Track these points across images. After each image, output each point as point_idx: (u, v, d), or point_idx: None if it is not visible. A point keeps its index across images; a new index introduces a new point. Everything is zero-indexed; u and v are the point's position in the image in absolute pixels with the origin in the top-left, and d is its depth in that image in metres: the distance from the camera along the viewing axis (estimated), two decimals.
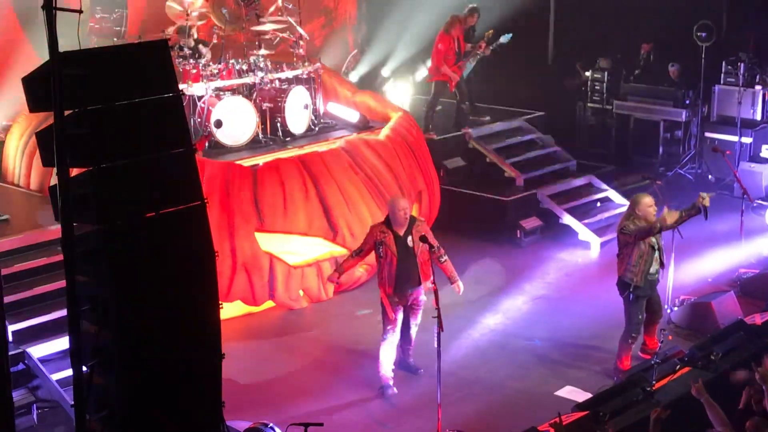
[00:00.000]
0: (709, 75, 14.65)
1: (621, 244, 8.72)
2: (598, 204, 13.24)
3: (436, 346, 7.74)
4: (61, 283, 7.15)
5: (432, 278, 8.24)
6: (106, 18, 12.61)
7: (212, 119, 10.98)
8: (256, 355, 9.52)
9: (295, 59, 12.36)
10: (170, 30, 11.96)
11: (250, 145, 11.34)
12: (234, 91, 11.59)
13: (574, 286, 11.05)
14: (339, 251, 10.64)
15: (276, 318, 10.44)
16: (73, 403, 5.24)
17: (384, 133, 11.70)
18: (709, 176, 14.38)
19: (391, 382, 8.65)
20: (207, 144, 10.99)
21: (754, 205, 12.28)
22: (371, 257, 8.85)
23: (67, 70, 4.88)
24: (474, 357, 9.39)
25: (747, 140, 13.99)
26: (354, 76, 15.12)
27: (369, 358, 9.01)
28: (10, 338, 8.12)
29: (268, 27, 12.48)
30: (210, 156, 10.63)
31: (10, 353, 5.89)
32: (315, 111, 12.23)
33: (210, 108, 11.05)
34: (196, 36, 12.05)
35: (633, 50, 15.84)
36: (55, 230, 8.97)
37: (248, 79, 11.63)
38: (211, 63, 11.55)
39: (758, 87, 14.08)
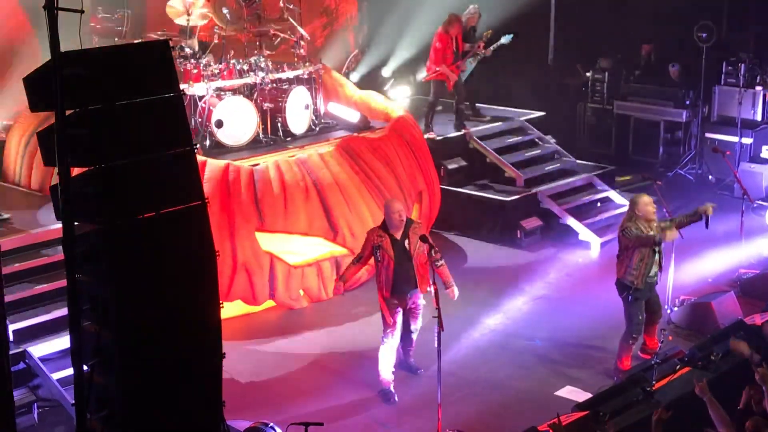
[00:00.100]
0: (710, 75, 14.66)
1: (621, 246, 8.72)
2: (599, 204, 13.25)
3: (436, 346, 7.74)
4: (62, 283, 7.19)
5: (431, 279, 8.24)
6: (107, 18, 12.61)
7: (213, 119, 10.99)
8: (256, 355, 9.52)
9: (296, 59, 12.36)
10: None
11: (251, 145, 11.35)
12: (235, 91, 11.59)
13: (575, 286, 11.06)
14: (339, 251, 10.65)
15: (276, 318, 10.45)
16: (73, 402, 5.26)
17: (384, 133, 11.71)
18: (710, 177, 14.38)
19: (391, 387, 8.63)
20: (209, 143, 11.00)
21: (755, 205, 12.28)
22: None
23: (68, 70, 4.89)
24: (474, 357, 9.40)
25: (747, 141, 14.00)
26: (355, 77, 15.13)
27: (369, 358, 9.01)
28: (11, 337, 8.12)
29: (269, 27, 12.48)
30: (211, 156, 10.63)
31: (10, 352, 5.91)
32: (316, 111, 12.24)
33: (211, 108, 11.05)
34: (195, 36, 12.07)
35: (633, 50, 15.85)
36: (56, 229, 8.98)
37: (249, 79, 11.63)
38: (212, 63, 11.55)
39: (759, 87, 14.09)
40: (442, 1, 13.91)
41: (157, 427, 5.48)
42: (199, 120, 11.11)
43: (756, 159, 13.86)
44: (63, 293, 5.44)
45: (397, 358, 8.76)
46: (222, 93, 11.40)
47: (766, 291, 10.13)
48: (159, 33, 12.15)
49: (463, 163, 13.31)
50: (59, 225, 5.15)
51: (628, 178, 14.47)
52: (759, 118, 14.14)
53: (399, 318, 8.59)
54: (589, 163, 14.07)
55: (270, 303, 10.54)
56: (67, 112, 4.98)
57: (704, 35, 14.49)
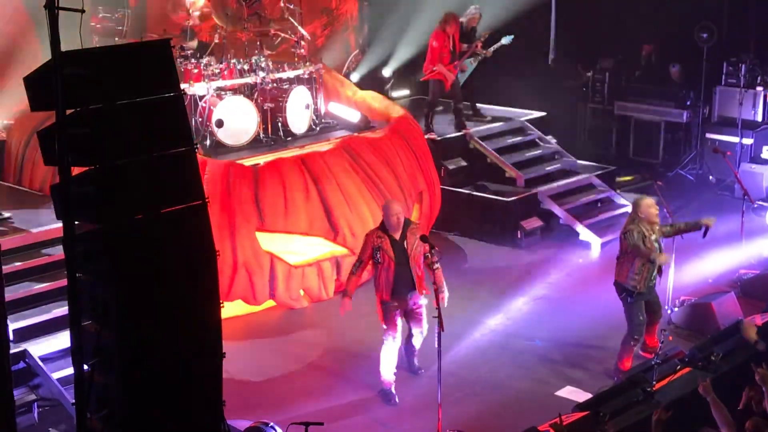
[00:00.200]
0: (710, 76, 14.66)
1: (622, 248, 8.72)
2: (599, 204, 13.26)
3: (436, 346, 7.75)
4: (62, 282, 7.18)
5: (433, 280, 8.23)
6: (107, 18, 12.61)
7: (213, 119, 10.99)
8: (256, 355, 9.52)
9: (296, 59, 12.37)
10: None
11: (252, 144, 11.36)
12: (235, 90, 11.60)
13: (575, 286, 11.06)
14: (340, 251, 10.65)
15: (276, 317, 10.45)
16: (73, 401, 5.26)
17: (385, 133, 11.71)
18: (710, 177, 14.38)
19: (392, 388, 8.62)
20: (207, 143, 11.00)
21: (755, 206, 12.27)
22: None
23: (68, 70, 4.89)
24: (474, 357, 9.40)
25: (748, 141, 14.00)
26: (355, 77, 15.12)
27: (370, 358, 9.01)
28: (11, 337, 8.12)
29: (269, 27, 12.48)
30: (211, 155, 10.63)
31: (11, 351, 5.91)
32: (316, 111, 12.24)
33: (211, 108, 11.06)
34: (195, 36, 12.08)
35: (634, 51, 15.84)
36: (56, 229, 8.97)
37: (250, 79, 11.64)
38: (212, 63, 11.56)
39: (759, 88, 14.09)
40: (443, 1, 13.90)
41: (157, 427, 5.48)
42: (200, 120, 11.12)
43: (756, 159, 13.86)
44: (63, 292, 5.44)
45: (398, 358, 8.74)
46: (222, 93, 11.41)
47: (767, 292, 10.13)
48: (159, 33, 12.17)
49: (464, 163, 13.31)
50: (60, 224, 5.15)
51: (628, 178, 14.47)
52: (759, 118, 14.15)
53: (399, 321, 8.56)
54: (589, 163, 14.07)
55: (270, 303, 10.54)
56: (68, 112, 4.98)
57: (705, 36, 14.50)
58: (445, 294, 8.39)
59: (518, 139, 14.01)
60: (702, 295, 10.14)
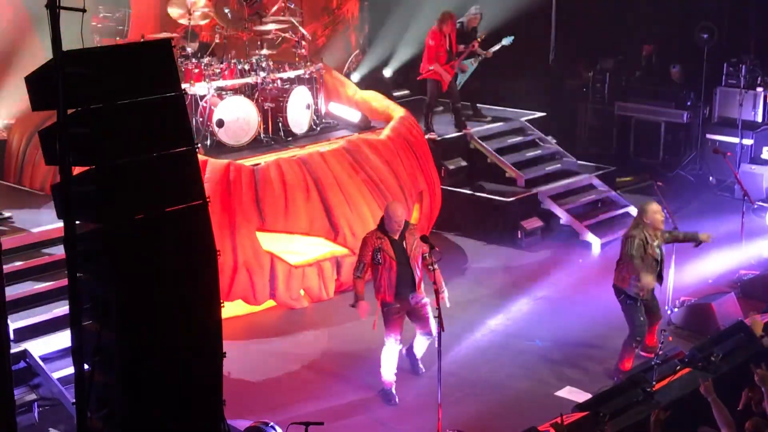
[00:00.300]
0: (711, 76, 14.66)
1: (622, 253, 8.70)
2: (599, 205, 13.26)
3: (436, 346, 7.75)
4: (63, 282, 7.20)
5: (432, 281, 8.22)
6: (108, 17, 12.62)
7: (214, 119, 11.00)
8: (256, 355, 9.53)
9: (297, 59, 12.37)
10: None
11: (252, 144, 11.36)
12: (236, 90, 11.61)
13: (575, 286, 11.06)
14: (340, 251, 10.66)
15: (277, 317, 10.45)
16: (74, 401, 5.26)
17: (385, 133, 11.71)
18: (710, 178, 14.39)
19: (392, 388, 8.62)
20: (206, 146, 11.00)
21: (755, 206, 12.28)
22: None
23: (69, 69, 4.90)
24: (475, 357, 9.40)
25: (748, 142, 14.00)
26: (356, 77, 15.13)
27: (370, 358, 9.01)
28: (12, 336, 8.13)
29: (270, 27, 12.49)
30: (212, 155, 10.64)
31: (11, 351, 5.91)
32: (317, 111, 12.24)
33: (212, 107, 11.06)
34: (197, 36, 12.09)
35: (634, 51, 15.85)
36: (57, 228, 8.98)
37: (250, 79, 11.64)
38: (213, 62, 11.57)
39: (759, 89, 14.09)
40: (443, 1, 13.91)
41: (157, 427, 5.49)
42: (200, 119, 11.12)
43: (756, 160, 13.87)
44: (64, 292, 5.46)
45: (399, 359, 8.72)
46: (223, 93, 11.41)
47: (767, 292, 10.13)
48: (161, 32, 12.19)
49: (464, 163, 13.32)
50: (60, 224, 5.15)
51: (628, 178, 14.48)
52: (760, 119, 14.15)
53: (401, 323, 8.52)
54: (589, 163, 14.07)
55: (271, 303, 10.54)
56: (69, 111, 4.98)
57: (705, 36, 14.50)
58: (446, 294, 8.36)
59: (518, 139, 14.01)
60: (702, 296, 10.15)
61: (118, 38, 12.37)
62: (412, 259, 8.42)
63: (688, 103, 14.86)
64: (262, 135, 11.51)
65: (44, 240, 9.24)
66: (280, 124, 11.65)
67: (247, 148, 11.28)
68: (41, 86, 5.08)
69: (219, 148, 11.10)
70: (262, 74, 11.65)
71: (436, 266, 8.40)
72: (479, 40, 13.52)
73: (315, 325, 10.26)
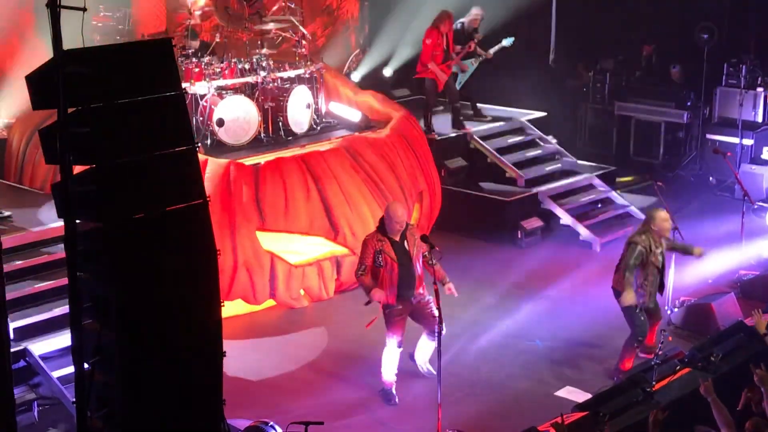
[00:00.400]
0: (711, 77, 14.66)
1: (622, 256, 8.69)
2: (599, 205, 13.26)
3: (436, 345, 7.75)
4: (63, 281, 7.19)
5: (433, 280, 8.21)
6: (109, 16, 12.62)
7: (214, 118, 11.00)
8: (256, 354, 9.53)
9: (297, 59, 12.37)
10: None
11: (252, 144, 11.36)
12: (236, 90, 11.61)
13: (575, 286, 11.06)
14: (340, 251, 10.66)
15: (277, 317, 10.45)
16: (74, 400, 5.26)
17: (385, 132, 11.71)
18: (710, 178, 14.38)
19: (393, 388, 8.61)
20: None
21: (755, 207, 12.28)
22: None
23: (70, 68, 4.90)
24: (475, 357, 9.40)
25: (748, 142, 14.00)
26: (356, 76, 15.13)
27: (370, 358, 9.02)
28: (12, 335, 8.12)
29: (270, 26, 12.50)
30: (212, 155, 10.64)
31: (11, 350, 5.91)
32: (317, 110, 12.24)
33: (212, 107, 11.06)
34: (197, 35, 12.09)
35: (634, 51, 15.85)
36: (57, 228, 8.98)
37: (250, 78, 11.64)
38: (213, 62, 11.57)
39: (760, 89, 14.09)
40: (444, 1, 13.91)
41: (157, 426, 5.49)
42: (201, 119, 11.12)
43: (757, 160, 13.86)
44: (64, 291, 5.46)
45: (401, 360, 8.69)
46: (223, 92, 11.41)
47: (767, 292, 10.13)
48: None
49: (464, 163, 13.31)
50: (60, 223, 5.16)
51: (629, 178, 14.48)
52: (760, 119, 14.15)
53: (404, 325, 8.48)
54: (589, 163, 14.07)
55: (270, 302, 10.54)
56: (69, 111, 4.98)
57: (705, 36, 14.50)
58: (451, 284, 8.44)
59: (518, 139, 14.01)
60: (702, 296, 10.15)
61: (118, 37, 12.37)
62: (414, 260, 8.40)
63: (688, 104, 14.85)
64: (262, 134, 11.51)
65: (44, 239, 9.24)
66: (281, 124, 11.65)
67: (248, 147, 11.28)
68: (42, 85, 5.09)
69: (219, 148, 11.10)
70: (263, 74, 11.65)
71: (435, 261, 8.41)
72: (476, 40, 13.51)
73: (315, 325, 10.26)
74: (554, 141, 14.16)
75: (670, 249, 9.00)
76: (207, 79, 11.20)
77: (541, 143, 14.07)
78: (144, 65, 5.36)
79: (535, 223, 12.53)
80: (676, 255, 9.68)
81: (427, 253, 8.31)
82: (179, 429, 5.61)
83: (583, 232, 12.37)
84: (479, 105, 14.40)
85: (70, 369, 5.69)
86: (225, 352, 5.73)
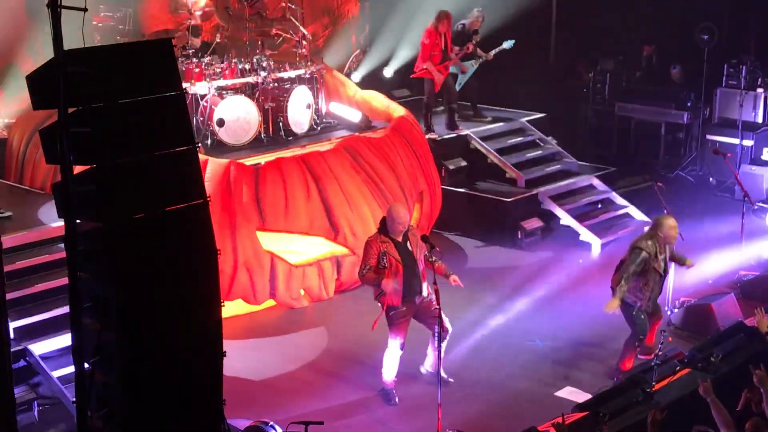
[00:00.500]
0: (711, 77, 14.67)
1: (625, 260, 8.68)
2: (599, 205, 13.26)
3: (436, 345, 7.75)
4: (63, 281, 7.19)
5: (434, 280, 8.20)
6: (109, 16, 12.63)
7: (215, 118, 11.00)
8: (256, 354, 9.53)
9: (297, 59, 12.38)
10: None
11: (252, 144, 11.36)
12: (237, 90, 11.61)
13: (575, 287, 11.06)
14: (340, 251, 10.66)
15: (277, 317, 10.45)
16: (74, 400, 5.27)
17: (386, 132, 11.72)
18: (710, 179, 14.40)
19: (393, 389, 8.59)
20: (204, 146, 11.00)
21: (755, 207, 12.28)
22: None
23: (70, 68, 4.90)
24: (475, 357, 9.40)
25: (748, 143, 14.01)
26: (356, 76, 15.13)
27: (370, 358, 9.03)
28: (12, 335, 8.13)
29: (271, 27, 12.50)
30: (212, 155, 10.65)
31: (11, 350, 5.92)
32: (317, 111, 12.25)
33: (212, 107, 11.07)
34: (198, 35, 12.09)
35: (635, 52, 15.86)
36: (57, 227, 8.98)
37: (251, 79, 11.65)
38: (214, 62, 11.58)
39: (760, 90, 14.10)
40: (444, 1, 13.92)
41: (157, 426, 5.49)
42: (201, 119, 11.13)
43: (757, 161, 13.87)
44: (64, 291, 5.45)
45: (401, 362, 8.67)
46: (224, 92, 11.42)
47: (767, 293, 10.13)
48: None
49: (464, 163, 13.31)
50: (61, 223, 5.16)
51: (628, 179, 14.46)
52: (760, 120, 14.16)
53: (407, 328, 8.45)
54: (590, 164, 14.08)
55: (271, 302, 10.55)
56: (70, 110, 4.99)
57: (706, 37, 14.52)
58: (455, 276, 8.47)
59: (519, 139, 14.01)
60: (702, 297, 10.15)
61: (119, 37, 12.38)
62: (417, 260, 8.38)
63: (689, 104, 14.86)
64: (262, 134, 11.52)
65: (44, 239, 9.24)
66: (281, 124, 11.66)
67: (248, 147, 11.29)
68: (42, 85, 5.09)
69: (219, 148, 11.11)
70: (263, 74, 11.66)
71: (435, 258, 8.43)
72: (474, 41, 13.51)
73: (315, 325, 10.26)
74: (554, 142, 14.17)
75: (669, 257, 9.00)
76: (207, 79, 11.21)
77: (542, 144, 14.07)
78: (144, 65, 5.37)
79: (535, 223, 12.53)
80: (685, 250, 9.69)
81: (427, 252, 8.31)
82: (179, 429, 5.61)
83: (584, 232, 12.37)
84: (479, 105, 14.41)
85: (70, 369, 5.70)
86: (225, 352, 5.73)
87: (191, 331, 5.56)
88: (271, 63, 11.96)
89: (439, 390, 7.66)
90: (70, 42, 4.95)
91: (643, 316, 8.70)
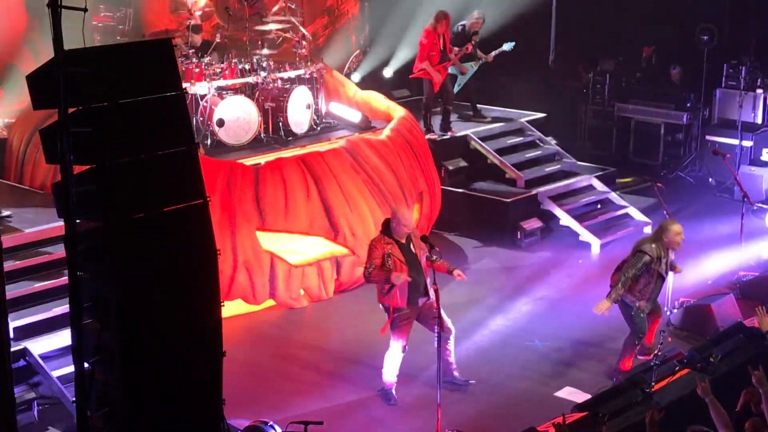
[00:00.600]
0: (711, 78, 14.68)
1: (627, 261, 8.68)
2: (599, 206, 13.26)
3: (436, 346, 7.75)
4: (63, 280, 7.20)
5: (433, 279, 8.20)
6: (109, 16, 12.64)
7: (214, 118, 11.01)
8: (256, 354, 9.53)
9: (297, 59, 12.38)
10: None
11: (252, 144, 11.37)
12: (236, 90, 11.62)
13: (575, 287, 11.06)
14: (340, 251, 10.66)
15: (276, 317, 10.45)
16: (74, 399, 5.27)
17: (385, 133, 11.72)
18: (710, 179, 14.40)
19: (393, 389, 8.58)
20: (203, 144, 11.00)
21: (755, 208, 12.28)
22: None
23: (71, 68, 4.91)
24: (474, 357, 9.40)
25: (748, 143, 14.01)
26: (356, 77, 15.14)
27: (369, 358, 9.03)
28: (12, 335, 8.13)
29: (271, 27, 12.51)
30: (212, 155, 10.65)
31: (11, 350, 5.92)
32: (317, 111, 12.26)
33: (212, 107, 11.08)
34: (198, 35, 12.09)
35: (635, 53, 15.86)
36: (57, 227, 8.97)
37: (251, 79, 11.66)
38: (214, 62, 11.58)
39: (759, 90, 14.10)
40: (444, 1, 13.92)
41: (157, 425, 5.50)
42: (201, 119, 11.13)
43: (756, 162, 13.88)
44: (64, 291, 5.46)
45: (403, 363, 8.63)
46: (224, 92, 11.43)
47: (766, 293, 10.13)
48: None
49: (464, 163, 13.31)
50: (61, 223, 5.16)
51: (628, 180, 14.49)
52: (759, 120, 14.16)
53: (409, 329, 8.42)
54: (589, 164, 14.08)
55: (270, 302, 10.55)
56: (70, 110, 4.99)
57: (705, 38, 14.52)
58: (457, 269, 8.44)
59: (518, 140, 14.01)
60: (701, 297, 10.14)
61: (119, 37, 12.39)
62: (420, 262, 8.36)
63: (688, 105, 14.86)
64: (262, 135, 11.52)
65: (44, 239, 9.24)
66: (281, 124, 11.66)
67: (248, 147, 11.29)
68: (42, 85, 5.10)
69: (219, 148, 11.12)
70: (263, 74, 11.66)
71: (436, 257, 8.41)
72: (473, 43, 13.51)
73: (315, 325, 10.26)
74: (554, 142, 14.17)
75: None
76: (207, 80, 11.22)
77: (541, 144, 14.07)
78: (144, 65, 5.38)
79: (534, 223, 12.54)
80: (677, 255, 9.68)
81: (427, 252, 8.31)
82: (179, 429, 5.62)
83: (583, 232, 12.37)
84: (479, 106, 14.41)
85: (70, 368, 5.69)
86: (225, 352, 5.73)
87: (191, 330, 5.56)
88: (271, 63, 11.97)
89: (438, 390, 7.67)
90: (70, 42, 4.95)
91: (642, 316, 8.70)
